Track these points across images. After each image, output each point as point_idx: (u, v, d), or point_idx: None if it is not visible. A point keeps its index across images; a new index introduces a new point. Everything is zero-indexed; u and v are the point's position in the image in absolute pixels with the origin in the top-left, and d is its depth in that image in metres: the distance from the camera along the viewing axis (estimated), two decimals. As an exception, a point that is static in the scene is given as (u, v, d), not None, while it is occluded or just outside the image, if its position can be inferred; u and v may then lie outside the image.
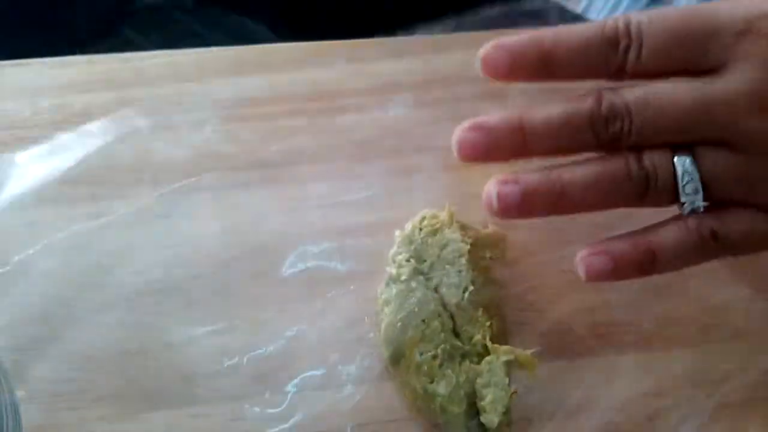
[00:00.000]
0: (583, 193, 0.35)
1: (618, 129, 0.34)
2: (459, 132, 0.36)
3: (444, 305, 0.40)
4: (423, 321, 0.39)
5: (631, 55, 0.34)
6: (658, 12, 0.35)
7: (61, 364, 0.39)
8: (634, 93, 0.35)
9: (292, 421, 0.38)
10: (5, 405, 0.34)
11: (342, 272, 0.42)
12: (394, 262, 0.41)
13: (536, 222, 0.38)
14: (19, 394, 0.37)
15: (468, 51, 0.52)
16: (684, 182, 0.34)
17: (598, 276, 0.36)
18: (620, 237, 0.37)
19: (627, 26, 0.34)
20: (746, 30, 0.33)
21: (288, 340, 0.40)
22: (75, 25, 0.62)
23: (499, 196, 0.35)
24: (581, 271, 0.36)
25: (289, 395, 0.39)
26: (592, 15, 0.78)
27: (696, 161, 0.34)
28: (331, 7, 0.63)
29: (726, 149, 0.34)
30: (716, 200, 0.35)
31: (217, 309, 0.41)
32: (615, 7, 0.77)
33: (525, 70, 0.35)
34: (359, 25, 0.56)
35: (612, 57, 0.35)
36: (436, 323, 0.39)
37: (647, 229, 0.37)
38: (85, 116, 0.46)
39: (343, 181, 0.45)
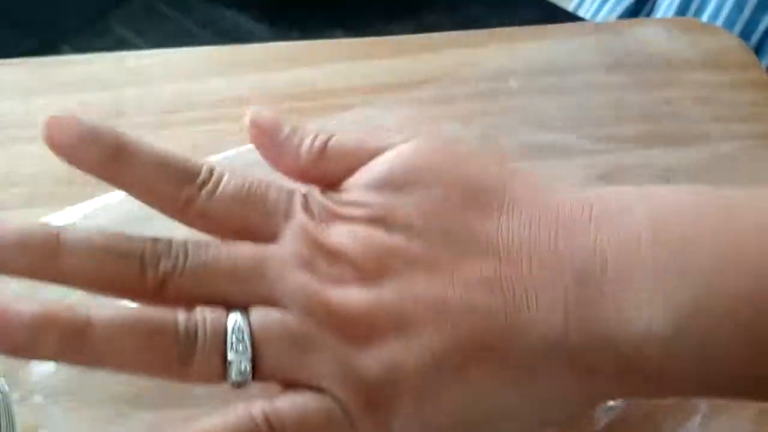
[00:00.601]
0: (112, 336, 0.29)
1: (169, 267, 0.30)
2: None
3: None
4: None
5: (203, 195, 0.32)
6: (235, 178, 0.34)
7: (56, 365, 0.39)
8: (194, 242, 0.31)
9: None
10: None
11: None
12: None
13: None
14: (14, 395, 0.36)
15: (463, 50, 0.52)
16: (233, 340, 0.29)
17: None
18: None
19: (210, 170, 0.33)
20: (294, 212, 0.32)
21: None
22: (63, 19, 0.61)
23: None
24: None
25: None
26: (581, 13, 0.78)
27: (248, 319, 0.30)
28: (327, 5, 0.63)
29: (278, 310, 0.30)
30: (271, 375, 0.30)
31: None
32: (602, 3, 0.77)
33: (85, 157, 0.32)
34: (355, 23, 0.56)
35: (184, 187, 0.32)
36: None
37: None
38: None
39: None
